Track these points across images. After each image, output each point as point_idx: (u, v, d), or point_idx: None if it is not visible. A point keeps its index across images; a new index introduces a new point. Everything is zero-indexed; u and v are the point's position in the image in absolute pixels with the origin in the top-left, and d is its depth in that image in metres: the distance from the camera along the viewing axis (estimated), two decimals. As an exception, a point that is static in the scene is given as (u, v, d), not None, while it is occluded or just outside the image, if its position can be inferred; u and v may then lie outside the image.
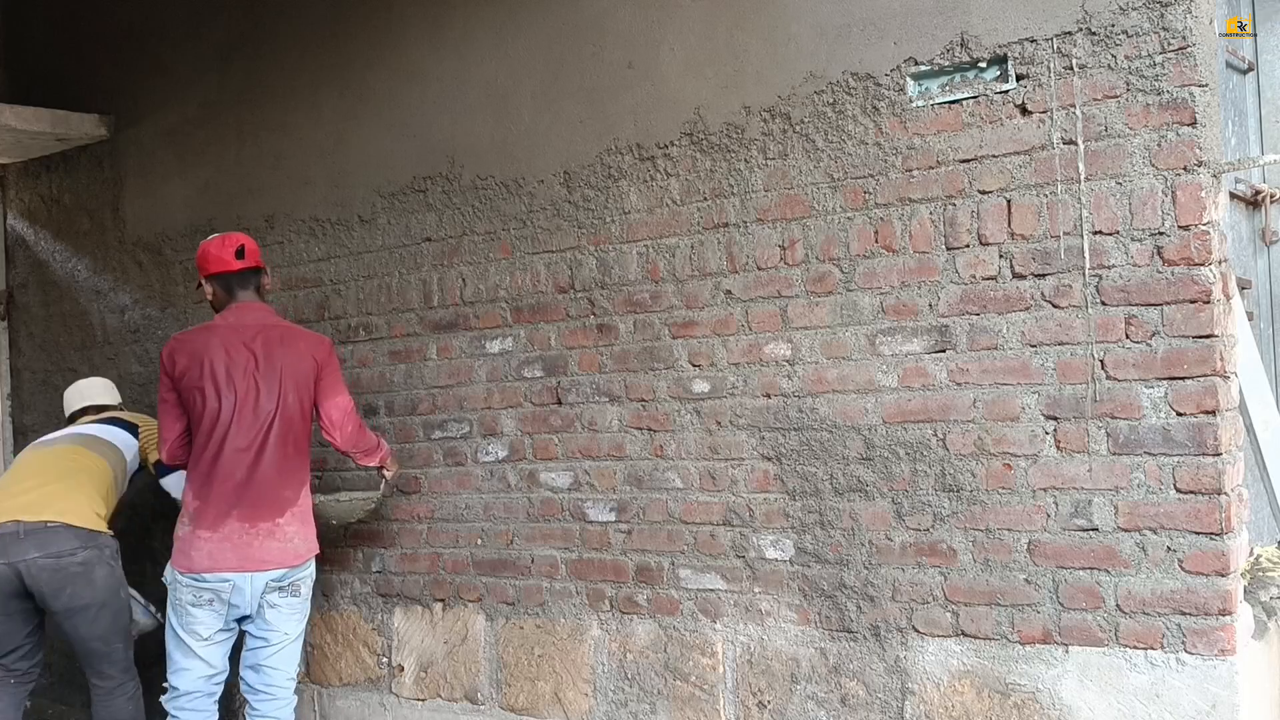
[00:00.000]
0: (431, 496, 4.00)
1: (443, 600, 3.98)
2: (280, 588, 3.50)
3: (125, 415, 4.31)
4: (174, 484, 3.96)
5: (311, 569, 3.60)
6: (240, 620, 3.53)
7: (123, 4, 4.99)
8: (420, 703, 4.03)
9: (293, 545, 3.50)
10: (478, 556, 3.88)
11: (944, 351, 2.97)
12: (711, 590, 3.37)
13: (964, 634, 2.95)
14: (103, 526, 3.83)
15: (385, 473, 3.86)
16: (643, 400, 3.50)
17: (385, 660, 4.12)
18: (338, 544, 4.21)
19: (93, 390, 4.44)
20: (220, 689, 3.57)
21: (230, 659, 3.59)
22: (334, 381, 3.63)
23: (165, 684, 3.53)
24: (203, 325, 3.63)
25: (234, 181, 4.55)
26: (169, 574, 3.48)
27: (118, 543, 3.90)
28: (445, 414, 3.96)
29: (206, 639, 3.46)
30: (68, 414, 4.39)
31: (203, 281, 3.65)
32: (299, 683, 3.77)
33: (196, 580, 3.40)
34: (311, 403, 3.58)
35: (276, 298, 4.38)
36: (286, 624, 3.55)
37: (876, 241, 3.06)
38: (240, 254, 3.58)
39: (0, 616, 3.74)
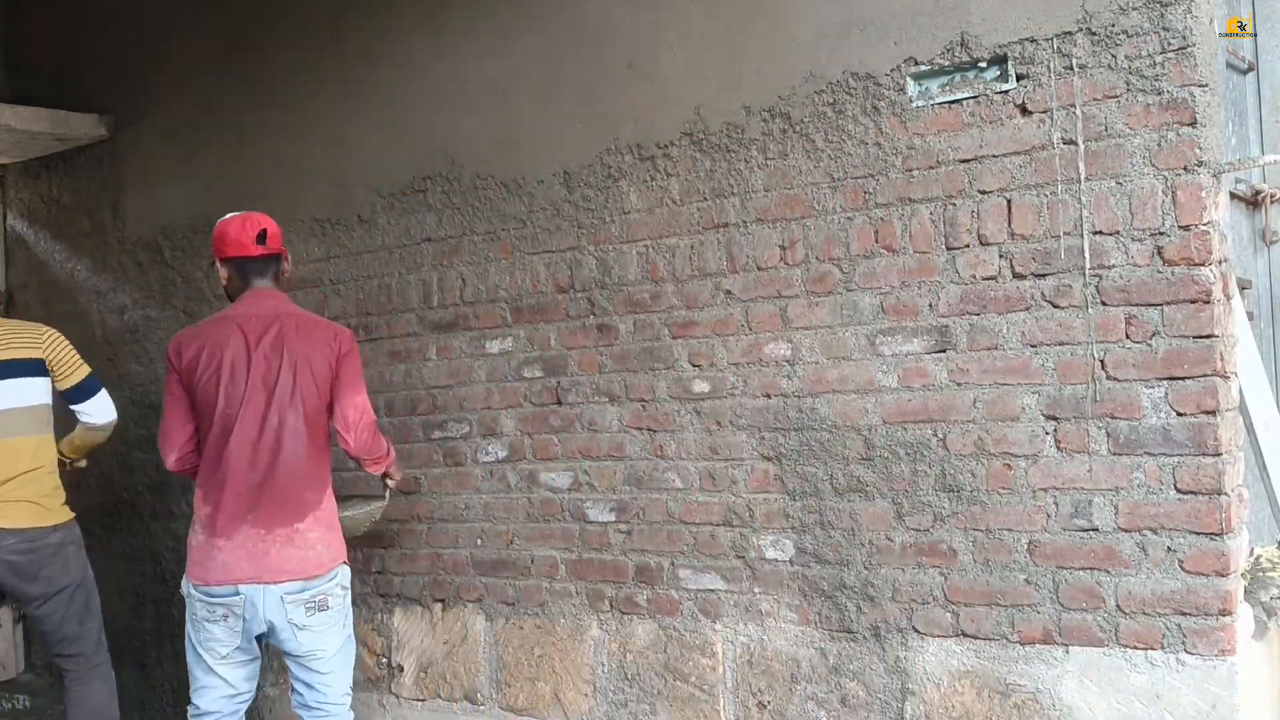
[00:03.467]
0: (431, 496, 3.99)
1: (442, 600, 3.97)
2: (305, 603, 3.17)
3: (18, 328, 3.94)
4: (93, 409, 3.89)
5: (341, 577, 3.28)
6: (262, 639, 3.24)
7: (123, 4, 4.99)
8: (420, 703, 4.03)
9: (315, 553, 3.20)
10: (477, 557, 3.88)
11: (944, 351, 2.97)
12: (711, 590, 3.37)
13: (964, 634, 2.95)
14: (67, 513, 3.83)
15: (390, 480, 3.59)
16: (643, 400, 3.50)
17: (385, 660, 4.12)
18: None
19: None
20: (243, 709, 3.34)
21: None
22: (353, 378, 3.29)
23: (189, 704, 3.32)
24: (212, 317, 3.35)
25: (234, 181, 4.54)
26: (185, 586, 3.23)
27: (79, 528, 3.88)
28: (445, 414, 3.95)
29: (224, 657, 3.21)
30: None
31: (216, 263, 3.36)
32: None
33: (208, 595, 3.15)
34: (330, 398, 3.26)
35: (276, 298, 4.38)
36: (321, 641, 3.23)
37: (876, 241, 3.06)
38: (261, 239, 3.29)
39: None
